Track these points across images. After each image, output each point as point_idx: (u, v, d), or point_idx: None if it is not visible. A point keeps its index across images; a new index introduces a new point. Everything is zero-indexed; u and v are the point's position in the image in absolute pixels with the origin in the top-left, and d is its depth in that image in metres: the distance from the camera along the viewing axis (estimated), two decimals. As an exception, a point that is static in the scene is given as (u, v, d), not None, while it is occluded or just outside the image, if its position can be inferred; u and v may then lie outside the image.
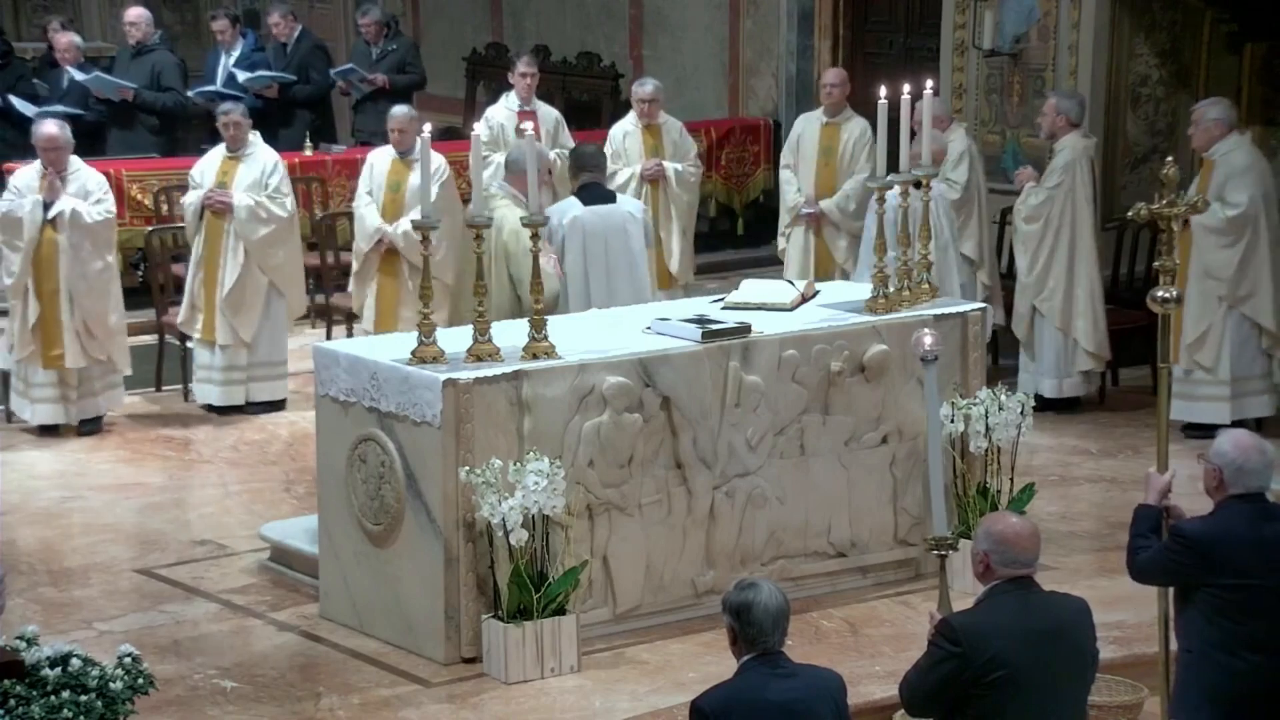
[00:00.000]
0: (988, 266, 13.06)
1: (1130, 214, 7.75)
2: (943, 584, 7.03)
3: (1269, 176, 12.00)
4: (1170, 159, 7.82)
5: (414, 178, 12.62)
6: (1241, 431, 7.09)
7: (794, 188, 13.72)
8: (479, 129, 9.31)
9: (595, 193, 11.02)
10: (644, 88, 14.09)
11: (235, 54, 16.84)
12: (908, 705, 6.48)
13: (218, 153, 12.84)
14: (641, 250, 11.12)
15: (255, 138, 12.84)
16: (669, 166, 13.84)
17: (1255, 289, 11.86)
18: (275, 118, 16.41)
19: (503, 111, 14.49)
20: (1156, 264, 7.63)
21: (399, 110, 13.13)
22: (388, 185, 13.03)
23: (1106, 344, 12.52)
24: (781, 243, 13.95)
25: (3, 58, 16.41)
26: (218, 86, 16.69)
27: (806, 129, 13.86)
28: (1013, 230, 12.88)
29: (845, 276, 12.95)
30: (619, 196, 11.40)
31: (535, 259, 9.04)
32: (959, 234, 12.67)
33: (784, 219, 13.90)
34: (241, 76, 16.57)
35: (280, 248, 12.66)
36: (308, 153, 15.50)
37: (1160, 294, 7.46)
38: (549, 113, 14.41)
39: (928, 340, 7.08)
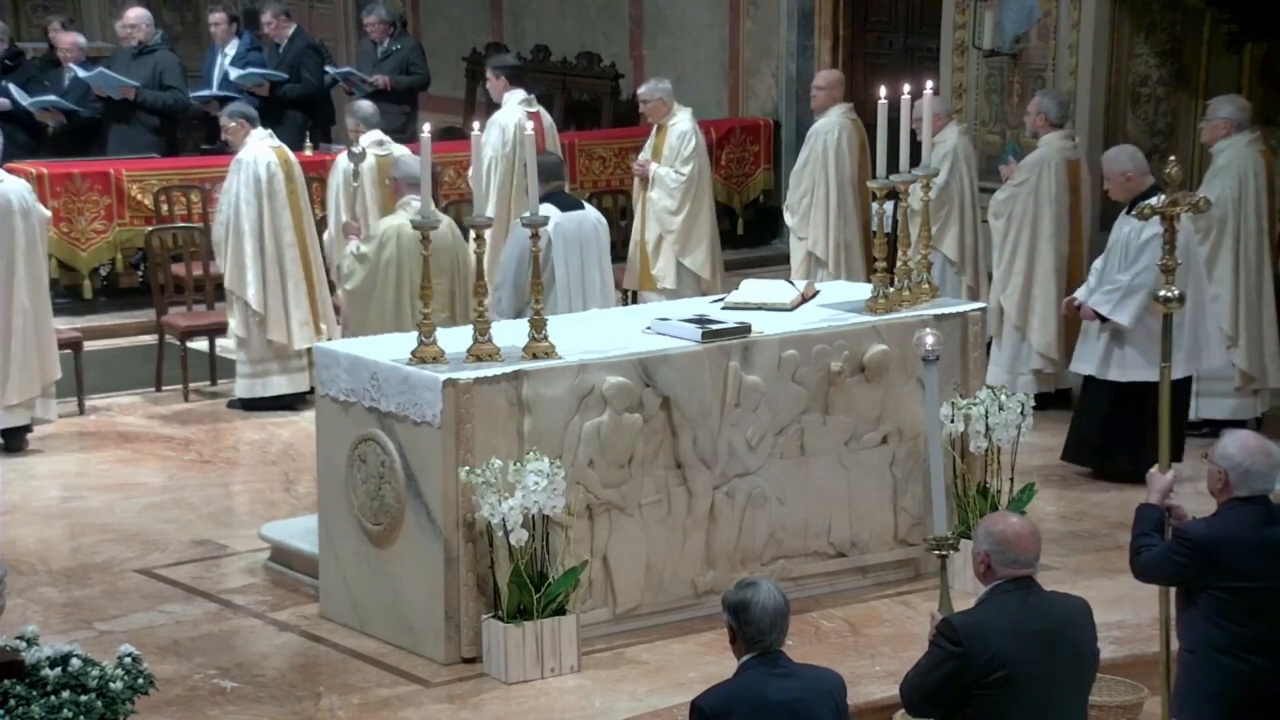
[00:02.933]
0: (971, 267, 13.06)
1: (1134, 213, 7.75)
2: (943, 584, 7.02)
3: (1255, 182, 11.93)
4: (1173, 159, 7.82)
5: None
6: (1247, 433, 7.07)
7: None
8: (478, 128, 9.31)
9: (562, 200, 11.17)
10: (639, 90, 14.17)
11: (231, 53, 16.82)
12: (908, 705, 6.49)
13: None
14: (608, 254, 11.45)
15: (252, 137, 12.82)
16: (653, 169, 13.83)
17: (1219, 290, 11.85)
18: (267, 116, 16.40)
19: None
20: (1157, 263, 7.63)
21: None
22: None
23: (1055, 345, 12.46)
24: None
25: (11, 59, 16.40)
26: (214, 89, 16.69)
27: None
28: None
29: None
30: (585, 204, 11.63)
31: (536, 259, 9.04)
32: (939, 234, 12.69)
33: None
34: (234, 74, 16.56)
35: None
36: (308, 152, 15.48)
37: (1162, 293, 7.46)
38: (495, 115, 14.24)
39: (930, 340, 7.06)
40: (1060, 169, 12.47)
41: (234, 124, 12.89)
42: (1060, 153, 12.46)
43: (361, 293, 11.10)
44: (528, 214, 9.16)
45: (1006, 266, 12.50)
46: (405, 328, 10.35)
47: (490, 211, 12.78)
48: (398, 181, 11.30)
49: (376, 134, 13.36)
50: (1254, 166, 11.96)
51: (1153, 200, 7.57)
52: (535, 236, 9.04)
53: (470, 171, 11.83)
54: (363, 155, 13.04)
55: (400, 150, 13.05)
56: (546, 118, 14.38)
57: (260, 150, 12.73)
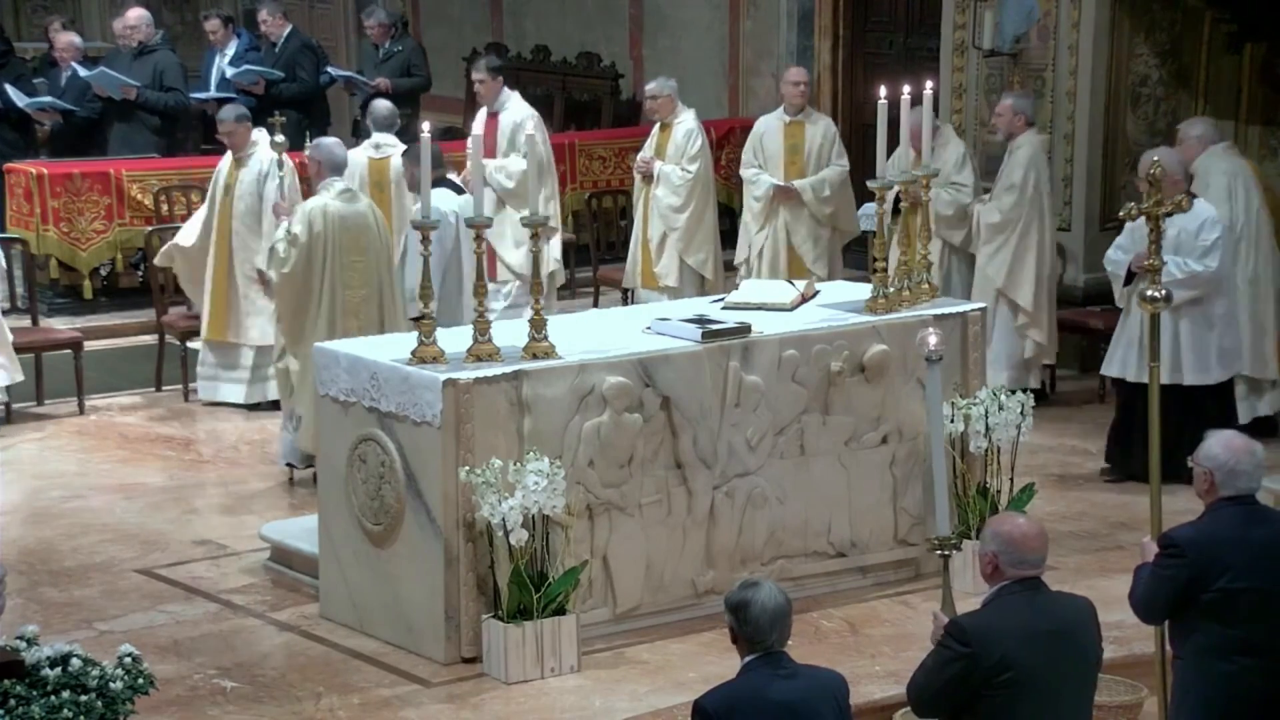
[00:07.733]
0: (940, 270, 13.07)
1: (1121, 214, 7.76)
2: (946, 584, 7.00)
3: (1244, 188, 11.85)
4: (1155, 159, 7.81)
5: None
6: (1231, 433, 7.02)
7: (764, 176, 13.72)
8: (477, 129, 9.31)
9: (450, 185, 11.46)
10: (648, 86, 14.17)
11: (229, 54, 16.82)
12: (915, 706, 6.47)
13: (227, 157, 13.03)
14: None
15: (259, 136, 12.84)
16: (658, 167, 13.83)
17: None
18: (263, 115, 16.38)
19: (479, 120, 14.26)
20: (1144, 262, 7.62)
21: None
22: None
23: (1048, 329, 12.65)
24: (743, 252, 13.97)
25: (1, 56, 16.39)
26: (212, 89, 16.68)
27: (768, 129, 13.91)
28: (977, 237, 12.73)
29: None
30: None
31: (536, 257, 9.04)
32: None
33: (751, 226, 13.90)
34: (229, 72, 16.55)
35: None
36: (308, 153, 15.44)
37: (1149, 292, 7.46)
38: (508, 117, 13.99)
39: (933, 340, 7.03)
40: (1044, 163, 12.65)
41: (241, 127, 12.84)
42: (1041, 147, 12.60)
43: (296, 275, 10.70)
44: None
45: (1014, 265, 12.46)
46: (336, 310, 10.58)
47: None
48: (319, 163, 11.13)
49: (379, 137, 13.35)
50: (1234, 170, 11.86)
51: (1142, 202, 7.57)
52: (536, 236, 9.03)
53: (467, 171, 11.87)
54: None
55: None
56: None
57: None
